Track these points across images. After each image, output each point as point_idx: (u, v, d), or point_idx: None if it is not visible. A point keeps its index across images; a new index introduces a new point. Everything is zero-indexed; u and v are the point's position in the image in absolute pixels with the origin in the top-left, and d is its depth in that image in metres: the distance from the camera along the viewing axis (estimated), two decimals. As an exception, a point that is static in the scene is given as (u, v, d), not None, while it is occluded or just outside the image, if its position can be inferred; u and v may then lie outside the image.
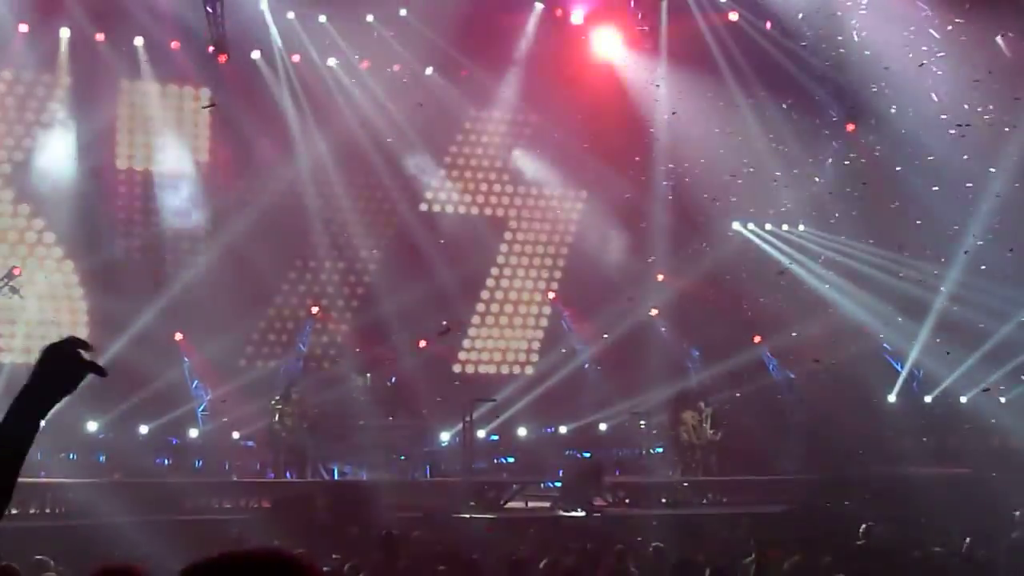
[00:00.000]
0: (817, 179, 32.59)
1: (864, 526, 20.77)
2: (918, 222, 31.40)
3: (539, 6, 32.48)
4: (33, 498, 22.30)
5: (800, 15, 31.77)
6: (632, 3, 32.54)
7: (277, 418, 26.23)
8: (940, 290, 31.06)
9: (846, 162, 32.76)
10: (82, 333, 28.38)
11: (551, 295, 34.30)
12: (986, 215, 30.24)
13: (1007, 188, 29.70)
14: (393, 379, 29.50)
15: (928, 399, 32.20)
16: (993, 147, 29.73)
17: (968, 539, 18.61)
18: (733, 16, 32.05)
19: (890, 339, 32.55)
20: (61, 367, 4.54)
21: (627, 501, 26.31)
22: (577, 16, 32.55)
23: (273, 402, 26.55)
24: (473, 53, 32.09)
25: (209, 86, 30.69)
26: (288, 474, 26.19)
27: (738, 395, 31.11)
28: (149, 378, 28.35)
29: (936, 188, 30.38)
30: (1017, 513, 22.90)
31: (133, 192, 30.57)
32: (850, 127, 32.56)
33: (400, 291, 30.93)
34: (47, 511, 22.09)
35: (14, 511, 21.64)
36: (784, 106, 32.34)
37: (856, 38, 31.44)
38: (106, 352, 28.66)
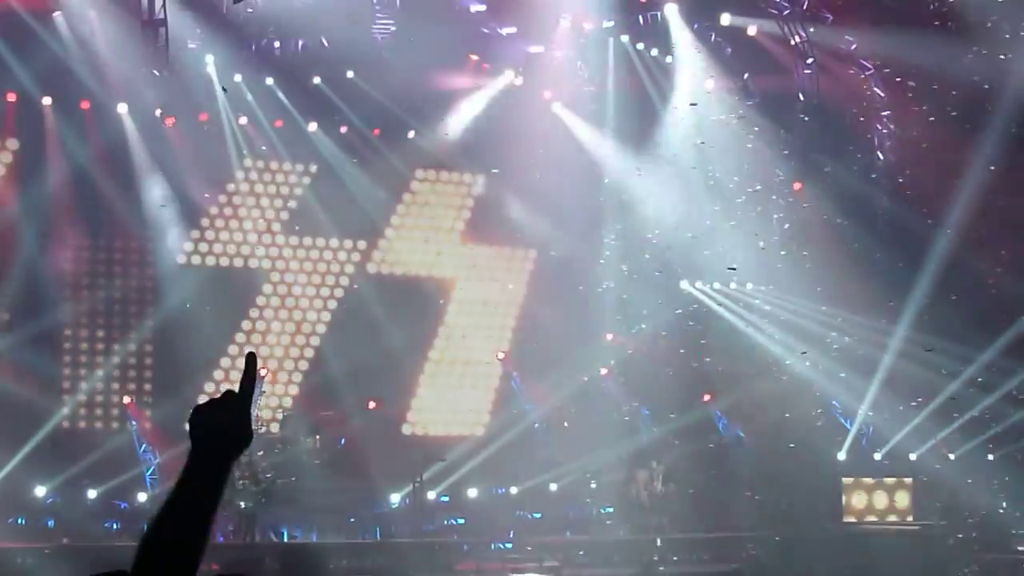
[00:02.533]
0: (762, 242, 32.71)
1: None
2: (865, 279, 31.51)
3: (487, 67, 32.64)
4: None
5: (746, 75, 32.11)
6: (579, 65, 32.82)
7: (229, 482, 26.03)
8: (889, 347, 31.17)
9: (788, 224, 32.85)
10: (32, 398, 28.38)
11: (500, 356, 34.27)
12: (933, 271, 30.44)
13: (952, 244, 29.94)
14: (343, 441, 29.41)
15: (877, 456, 32.27)
16: (940, 203, 29.98)
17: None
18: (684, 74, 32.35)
19: (839, 397, 32.64)
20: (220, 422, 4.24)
21: (580, 560, 26.27)
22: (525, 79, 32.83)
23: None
24: (420, 114, 32.20)
25: (157, 150, 30.59)
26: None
27: (689, 453, 31.04)
28: (97, 443, 28.23)
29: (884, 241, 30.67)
30: (966, 571, 23.07)
31: (80, 256, 30.36)
32: (797, 186, 32.70)
33: (349, 352, 30.91)
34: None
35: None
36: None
37: (801, 97, 31.77)
38: (53, 418, 28.60)
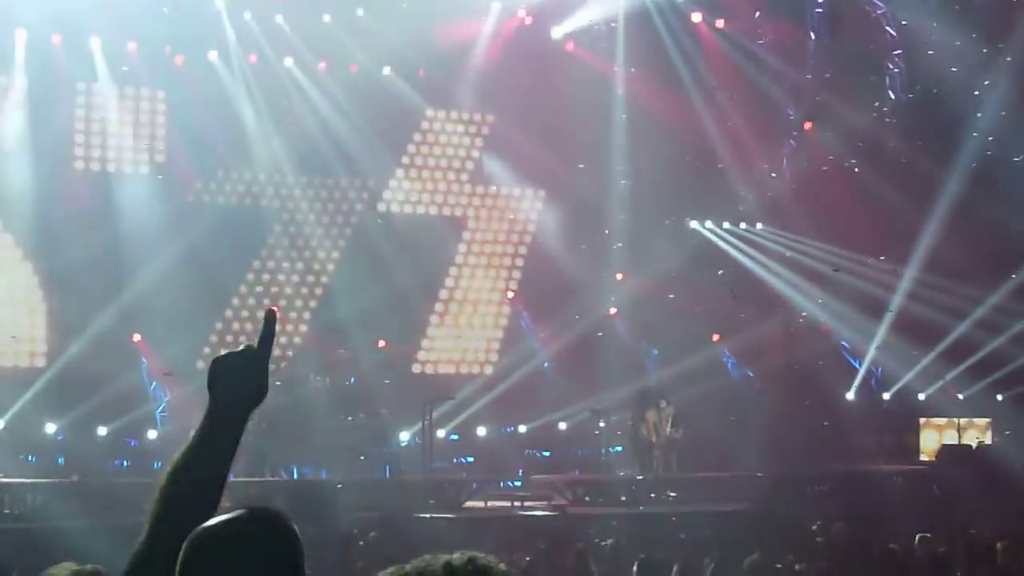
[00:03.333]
0: (774, 175, 32.67)
1: (822, 523, 20.87)
2: (874, 219, 31.47)
3: (497, 6, 32.48)
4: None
5: (757, 13, 31.94)
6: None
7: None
8: (897, 288, 31.16)
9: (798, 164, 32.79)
10: (40, 336, 28.48)
11: (510, 295, 34.25)
12: (943, 212, 30.39)
13: (963, 185, 29.88)
14: (352, 379, 29.45)
15: (886, 396, 32.30)
16: (951, 143, 29.94)
17: (926, 535, 18.72)
18: (695, 17, 32.21)
19: (848, 337, 32.65)
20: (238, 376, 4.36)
21: (587, 499, 26.33)
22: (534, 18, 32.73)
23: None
24: (430, 53, 32.06)
25: (165, 87, 30.59)
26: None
27: (698, 394, 31.05)
28: (107, 380, 28.27)
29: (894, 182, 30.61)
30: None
31: (92, 193, 30.30)
32: (807, 125, 32.63)
33: (358, 292, 30.90)
34: (7, 512, 21.96)
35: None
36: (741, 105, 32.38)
37: (813, 36, 31.62)
38: (64, 355, 28.66)
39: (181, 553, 3.83)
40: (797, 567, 16.08)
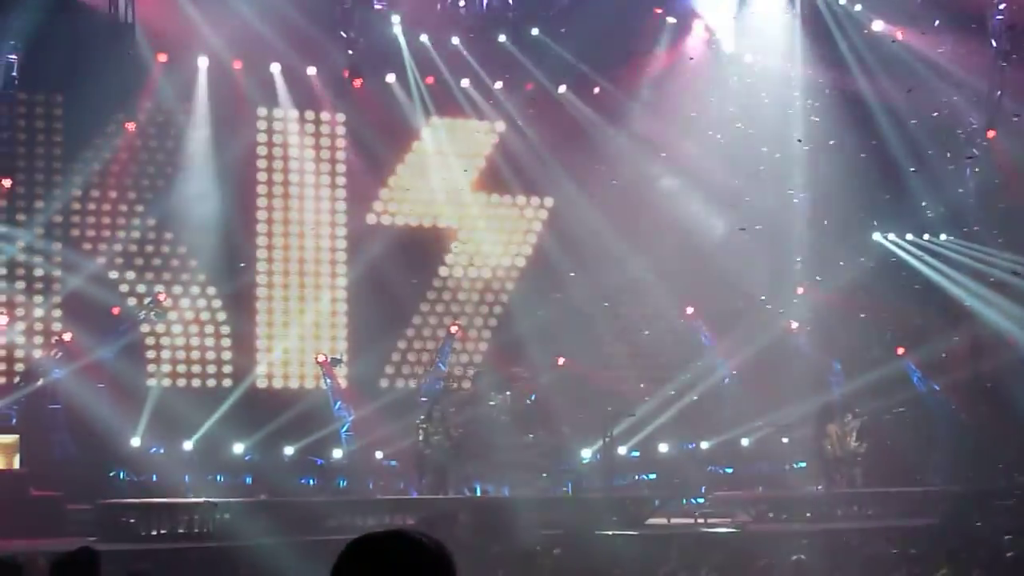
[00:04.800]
0: (960, 190, 32.25)
1: (1011, 538, 20.51)
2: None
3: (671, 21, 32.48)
4: (181, 519, 22.55)
5: (936, 22, 31.51)
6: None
7: (422, 437, 26.30)
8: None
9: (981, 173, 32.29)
10: (225, 357, 28.99)
11: (690, 310, 34.07)
12: None
13: None
14: (533, 397, 29.55)
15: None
16: None
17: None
18: (876, 26, 31.91)
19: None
20: None
21: (770, 516, 26.16)
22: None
23: (418, 422, 26.63)
24: (606, 70, 32.11)
25: (345, 111, 30.97)
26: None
27: (883, 408, 30.67)
28: (293, 400, 28.67)
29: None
30: None
31: (273, 218, 30.75)
32: (990, 134, 32.12)
33: (537, 309, 31.00)
34: (196, 532, 22.30)
35: (162, 530, 22.03)
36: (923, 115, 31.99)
37: (994, 44, 31.12)
38: (250, 376, 29.14)
39: (338, 558, 3.91)
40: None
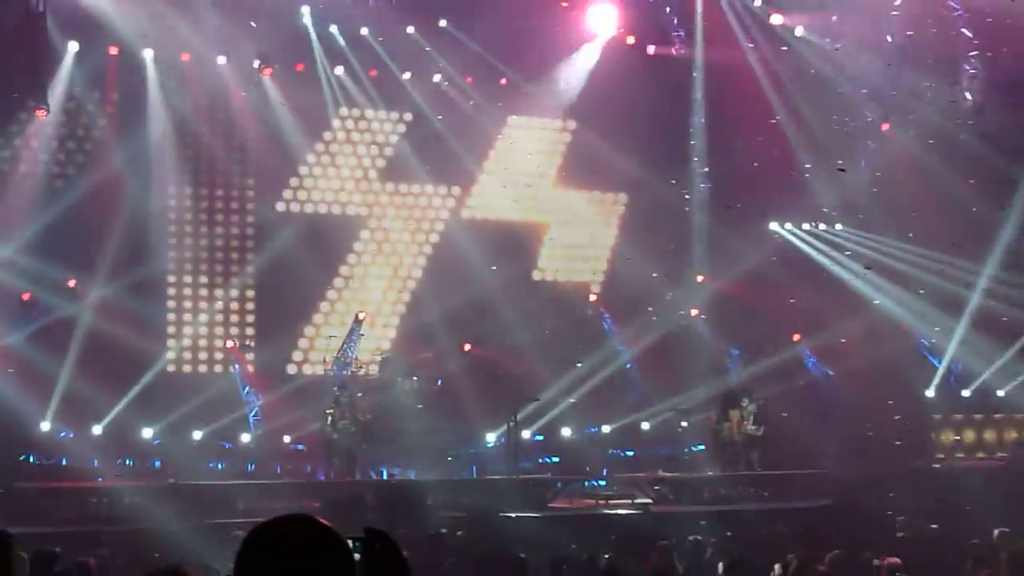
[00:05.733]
0: (851, 176, 32.60)
1: (901, 519, 20.79)
2: (952, 219, 31.28)
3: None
4: (90, 503, 22.49)
5: (834, 17, 31.81)
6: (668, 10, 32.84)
7: (329, 422, 26.28)
8: (977, 286, 30.99)
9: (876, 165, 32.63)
10: (136, 343, 28.65)
11: (593, 297, 34.27)
12: (1021, 210, 30.22)
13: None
14: (439, 381, 29.58)
15: (966, 393, 32.10)
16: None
17: (1005, 529, 18.58)
18: (776, 19, 32.16)
19: (927, 335, 32.49)
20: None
21: (670, 497, 26.36)
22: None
23: (326, 408, 26.58)
24: (512, 63, 32.18)
25: (255, 99, 30.80)
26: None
27: (780, 393, 30.96)
28: (202, 385, 28.56)
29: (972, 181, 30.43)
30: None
31: (182, 204, 30.57)
32: (884, 127, 32.47)
33: (444, 296, 31.04)
34: (105, 515, 22.23)
35: (72, 513, 21.92)
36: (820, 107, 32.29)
37: (889, 39, 31.42)
38: (158, 362, 28.97)
39: (240, 547, 3.87)
40: (875, 562, 16.02)
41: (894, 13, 31.42)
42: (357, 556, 4.02)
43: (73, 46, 28.98)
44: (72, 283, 28.35)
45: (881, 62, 31.46)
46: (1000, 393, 31.25)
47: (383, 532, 4.26)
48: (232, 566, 3.91)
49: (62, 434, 27.04)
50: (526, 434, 29.71)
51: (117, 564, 14.13)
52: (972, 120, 30.90)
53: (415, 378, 29.35)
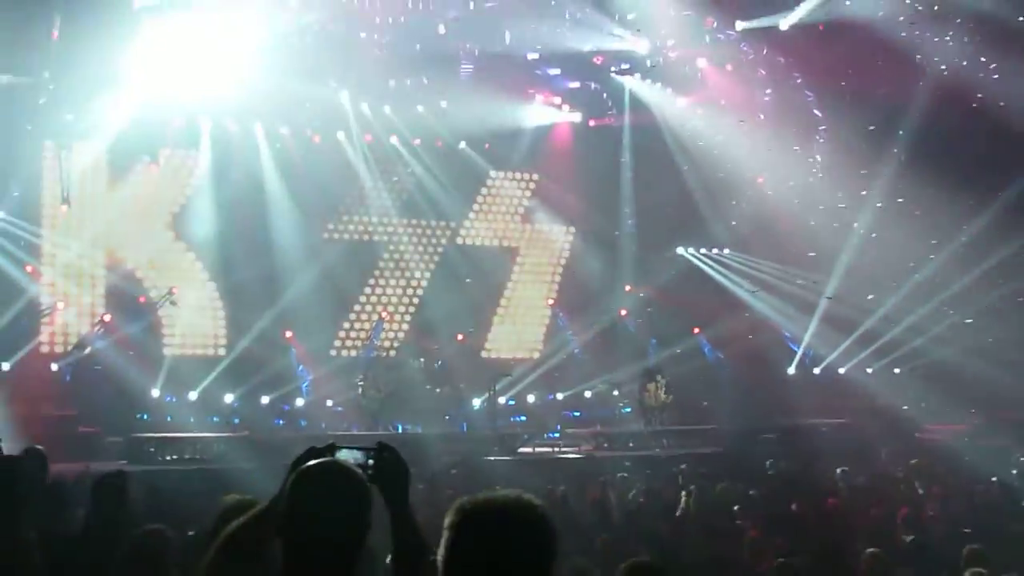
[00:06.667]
0: (736, 219, 32.66)
1: (771, 461, 20.81)
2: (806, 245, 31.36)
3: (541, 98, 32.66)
4: (187, 448, 22.48)
5: (723, 101, 31.73)
6: (604, 96, 32.88)
7: (360, 391, 26.25)
8: (824, 294, 31.07)
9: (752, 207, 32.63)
10: (220, 334, 28.66)
11: (550, 301, 34.36)
12: (856, 240, 30.33)
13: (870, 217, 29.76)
14: (439, 362, 29.53)
15: (816, 371, 32.19)
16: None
17: (846, 468, 18.66)
18: (681, 101, 32.12)
19: (789, 328, 32.58)
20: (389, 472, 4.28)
21: (606, 446, 26.35)
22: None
23: (357, 380, 26.55)
24: (493, 132, 32.20)
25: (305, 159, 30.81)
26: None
27: (683, 369, 30.98)
28: (268, 363, 28.50)
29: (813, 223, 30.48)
30: (882, 452, 22.91)
31: (255, 232, 30.48)
32: (760, 180, 32.45)
33: (444, 300, 31.05)
34: (198, 457, 22.19)
35: (174, 456, 21.87)
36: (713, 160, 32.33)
37: (762, 116, 31.35)
38: (237, 347, 28.90)
39: (452, 516, 3.53)
40: (751, 492, 16.08)
41: (766, 98, 31.48)
42: (371, 461, 4.03)
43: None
44: (175, 290, 28.25)
45: (755, 132, 31.42)
46: (841, 371, 31.37)
47: (389, 445, 4.29)
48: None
49: (168, 399, 26.95)
50: (502, 400, 29.70)
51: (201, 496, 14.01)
52: (821, 174, 30.91)
53: (422, 360, 29.29)
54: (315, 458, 4.13)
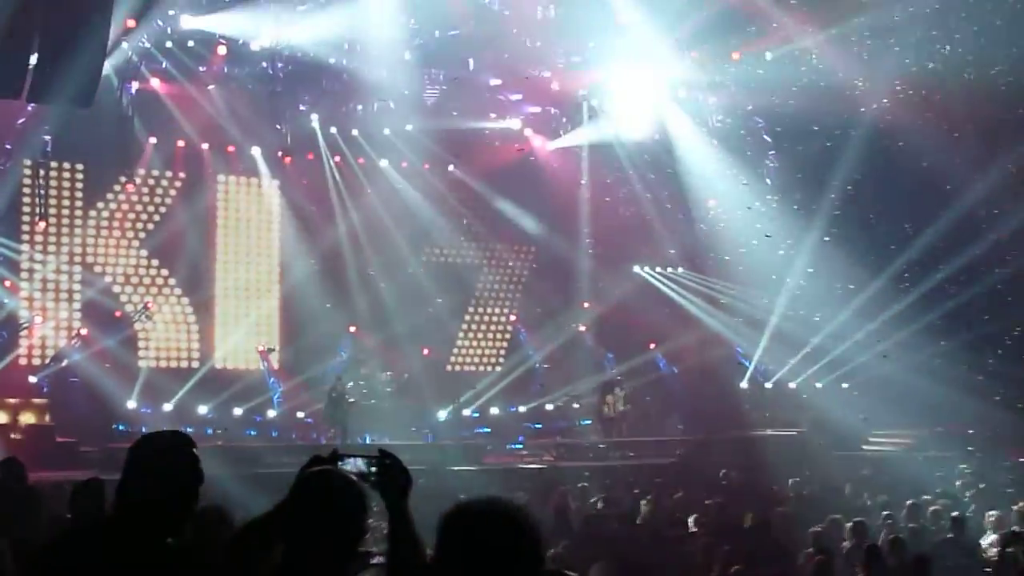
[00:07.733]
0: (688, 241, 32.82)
1: (724, 471, 20.86)
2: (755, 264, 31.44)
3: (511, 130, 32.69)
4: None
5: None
6: (564, 120, 32.96)
7: (328, 403, 26.12)
8: (774, 312, 31.13)
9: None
10: (194, 347, 28.51)
11: (512, 317, 34.35)
12: (802, 263, 30.42)
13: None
14: (406, 375, 29.45)
15: (768, 385, 32.30)
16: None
17: (797, 479, 18.74)
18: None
19: (741, 344, 32.69)
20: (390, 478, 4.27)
21: (566, 456, 26.36)
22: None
23: (327, 391, 26.41)
24: (457, 155, 32.19)
25: (279, 179, 30.72)
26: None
27: (639, 383, 31.05)
28: (240, 376, 28.32)
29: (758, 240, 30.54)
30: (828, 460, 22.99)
31: (228, 248, 30.34)
32: (712, 202, 32.49)
33: (410, 315, 30.91)
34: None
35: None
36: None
37: (714, 143, 31.42)
38: (210, 359, 28.74)
39: (441, 520, 3.56)
40: (707, 501, 16.10)
41: (717, 124, 31.45)
42: (374, 468, 4.02)
43: (152, 140, 28.81)
44: (150, 304, 28.09)
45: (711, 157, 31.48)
46: (791, 385, 31.45)
47: (391, 453, 4.30)
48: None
49: (143, 410, 26.74)
50: (466, 412, 29.68)
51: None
52: (770, 196, 31.04)
53: (389, 373, 29.22)
54: (319, 466, 4.17)
